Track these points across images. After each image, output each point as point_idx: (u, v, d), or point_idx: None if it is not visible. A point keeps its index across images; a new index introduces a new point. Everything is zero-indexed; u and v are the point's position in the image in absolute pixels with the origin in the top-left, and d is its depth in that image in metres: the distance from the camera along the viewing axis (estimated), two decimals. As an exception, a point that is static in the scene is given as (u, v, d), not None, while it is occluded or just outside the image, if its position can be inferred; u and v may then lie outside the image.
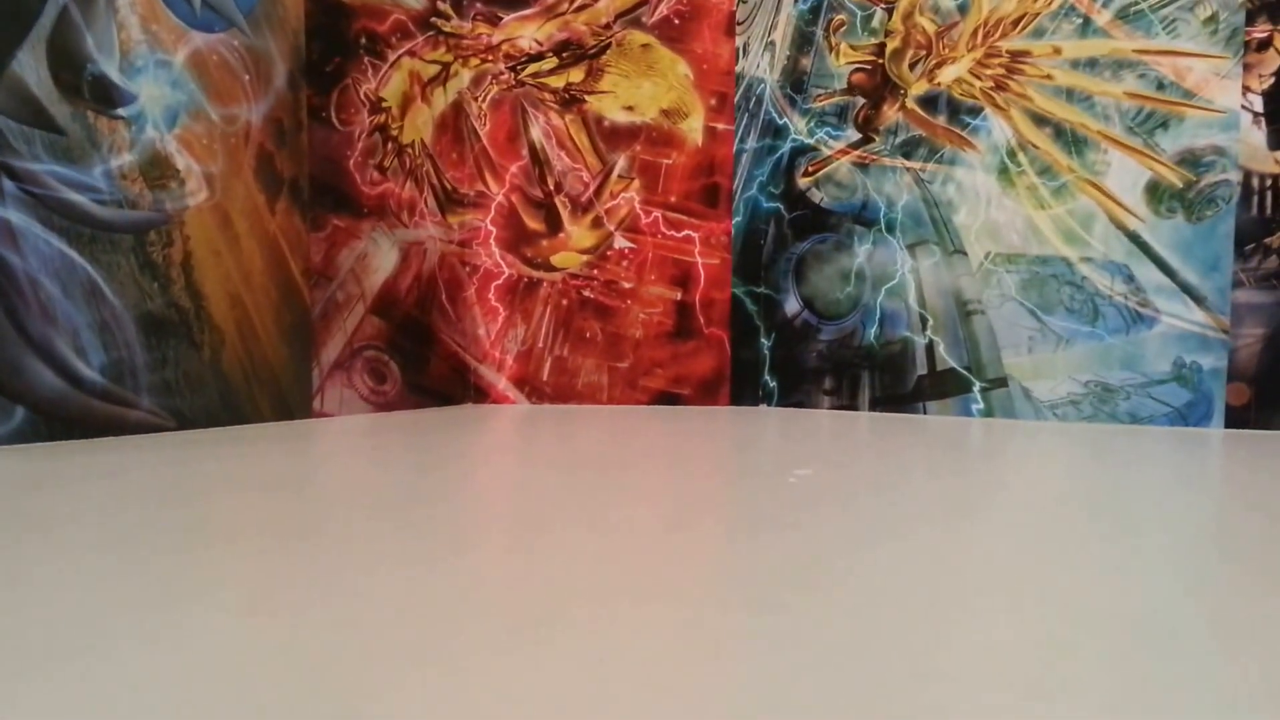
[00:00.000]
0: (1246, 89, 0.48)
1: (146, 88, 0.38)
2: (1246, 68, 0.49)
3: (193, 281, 0.42)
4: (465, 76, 0.65)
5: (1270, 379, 0.51)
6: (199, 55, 0.44)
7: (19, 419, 0.32)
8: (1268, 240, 0.48)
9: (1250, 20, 0.47)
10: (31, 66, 0.32)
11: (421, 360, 0.67)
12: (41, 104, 0.32)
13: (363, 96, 0.61)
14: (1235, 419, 0.60)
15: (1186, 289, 0.57)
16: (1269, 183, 0.48)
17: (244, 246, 0.50)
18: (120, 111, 0.36)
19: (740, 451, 0.52)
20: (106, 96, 0.37)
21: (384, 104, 0.62)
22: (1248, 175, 0.50)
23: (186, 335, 0.42)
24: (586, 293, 0.64)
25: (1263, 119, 0.46)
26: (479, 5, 0.67)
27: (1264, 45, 0.44)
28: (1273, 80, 0.45)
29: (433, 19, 0.66)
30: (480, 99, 0.63)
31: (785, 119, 0.65)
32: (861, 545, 0.35)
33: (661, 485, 0.46)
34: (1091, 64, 0.56)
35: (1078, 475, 0.49)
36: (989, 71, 0.58)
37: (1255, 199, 0.51)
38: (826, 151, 0.65)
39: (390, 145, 0.63)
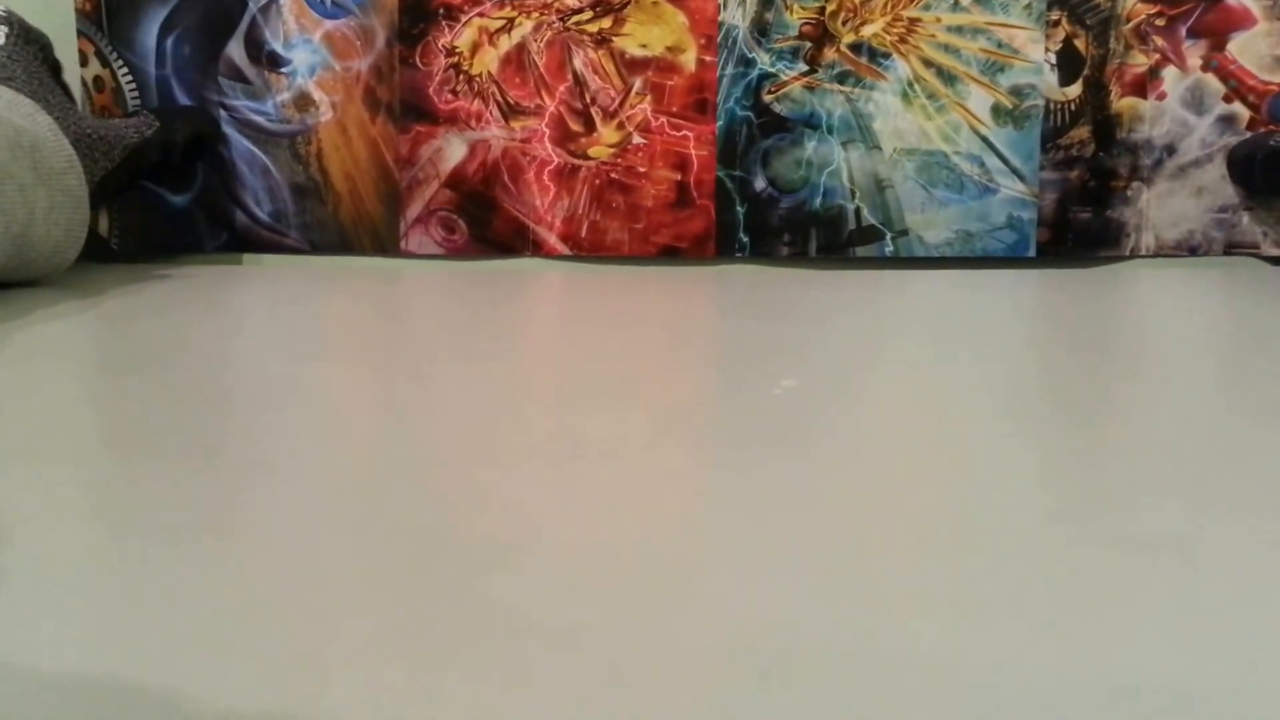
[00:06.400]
0: (1047, 49, 0.78)
1: (297, 55, 0.62)
2: (1047, 36, 0.78)
3: (322, 164, 0.67)
4: (528, 26, 0.88)
5: (1059, 226, 0.82)
6: (328, 33, 0.67)
7: (225, 238, 0.53)
8: (1059, 141, 0.78)
9: (1049, 8, 0.77)
10: (237, 49, 0.54)
11: (485, 221, 0.88)
12: (240, 69, 0.54)
13: (439, 47, 0.82)
14: (1040, 250, 0.89)
15: (1015, 170, 0.86)
16: (1058, 106, 0.79)
17: (354, 144, 0.76)
18: (283, 70, 0.59)
19: (723, 293, 0.65)
20: (275, 61, 0.59)
21: (457, 50, 0.83)
22: (1049, 102, 0.81)
23: (318, 195, 0.64)
24: (613, 175, 0.88)
25: (1055, 67, 0.76)
26: (540, -25, 0.90)
27: (1055, 24, 0.74)
28: (1060, 44, 0.75)
29: (500, -11, 0.88)
30: (539, 40, 0.86)
31: (754, 54, 0.90)
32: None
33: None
34: (959, 29, 0.84)
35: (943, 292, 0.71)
36: (895, 30, 0.86)
37: (1053, 116, 0.81)
38: (784, 77, 0.90)
39: (461, 77, 0.85)
